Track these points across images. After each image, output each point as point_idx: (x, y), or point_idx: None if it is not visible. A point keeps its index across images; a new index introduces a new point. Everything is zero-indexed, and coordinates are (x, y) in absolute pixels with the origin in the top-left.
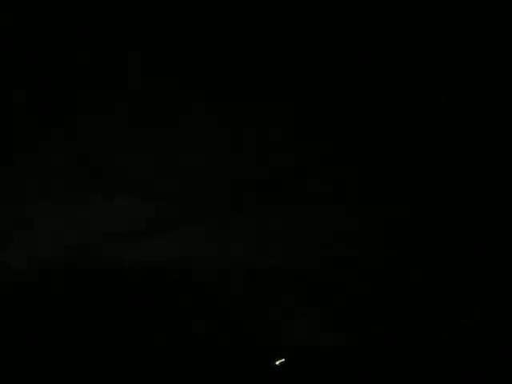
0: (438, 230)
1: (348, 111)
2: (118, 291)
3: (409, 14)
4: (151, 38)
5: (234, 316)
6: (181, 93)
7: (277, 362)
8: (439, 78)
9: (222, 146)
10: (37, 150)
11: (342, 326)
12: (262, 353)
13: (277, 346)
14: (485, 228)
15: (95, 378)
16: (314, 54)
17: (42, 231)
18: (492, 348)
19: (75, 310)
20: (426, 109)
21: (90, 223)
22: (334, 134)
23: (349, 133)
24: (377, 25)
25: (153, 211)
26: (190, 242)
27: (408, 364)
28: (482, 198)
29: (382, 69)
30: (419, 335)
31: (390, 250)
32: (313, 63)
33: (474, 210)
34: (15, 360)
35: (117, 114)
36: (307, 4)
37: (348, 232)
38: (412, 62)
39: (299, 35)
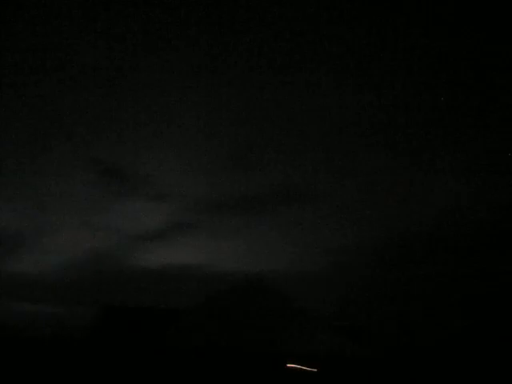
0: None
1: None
2: (135, 293)
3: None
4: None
5: (251, 319)
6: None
7: (288, 365)
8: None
9: (241, 149)
10: (52, 154)
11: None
12: (277, 357)
13: (291, 350)
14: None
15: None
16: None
17: (60, 236)
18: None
19: (94, 310)
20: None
21: (106, 227)
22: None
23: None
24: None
25: (169, 215)
26: (205, 245)
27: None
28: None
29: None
30: (443, 344)
31: (405, 258)
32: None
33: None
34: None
35: (132, 118)
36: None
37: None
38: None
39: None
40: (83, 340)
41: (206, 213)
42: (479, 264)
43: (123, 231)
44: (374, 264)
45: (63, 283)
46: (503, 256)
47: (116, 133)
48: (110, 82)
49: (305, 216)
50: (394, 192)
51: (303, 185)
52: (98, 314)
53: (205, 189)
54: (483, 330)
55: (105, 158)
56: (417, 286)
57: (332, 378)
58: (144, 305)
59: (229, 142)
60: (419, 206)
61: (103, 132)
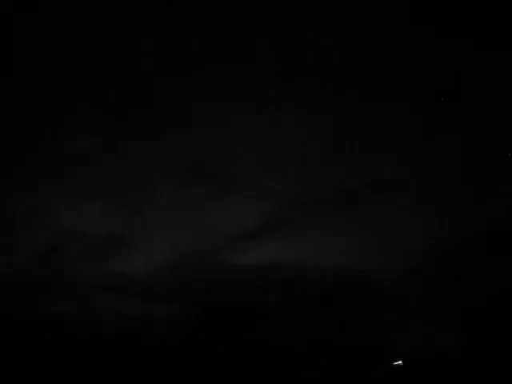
0: None
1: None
2: (232, 291)
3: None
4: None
5: (352, 315)
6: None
7: (396, 363)
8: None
9: (334, 149)
10: (143, 158)
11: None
12: (379, 354)
13: (393, 347)
14: None
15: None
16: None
17: (159, 236)
18: None
19: (189, 310)
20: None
21: (201, 228)
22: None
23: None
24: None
25: (265, 213)
26: (302, 243)
27: None
28: None
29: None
30: None
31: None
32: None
33: None
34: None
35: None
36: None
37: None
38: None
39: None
40: (183, 337)
41: (302, 210)
42: None
43: (218, 231)
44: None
45: (161, 283)
46: None
47: (207, 131)
48: (199, 75)
49: (400, 210)
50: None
51: (396, 177)
52: (197, 313)
53: (299, 186)
54: None
55: (197, 158)
56: None
57: (437, 374)
58: (241, 302)
59: (319, 141)
60: None
61: (194, 131)
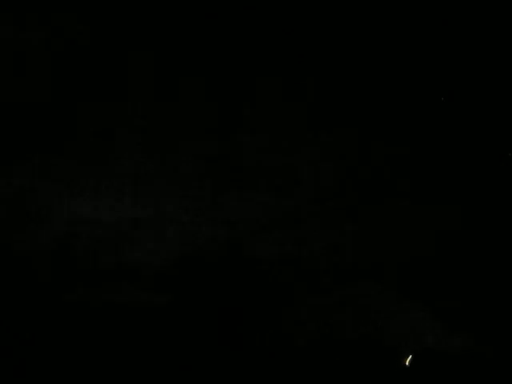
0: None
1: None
2: (244, 285)
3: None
4: None
5: (362, 314)
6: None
7: (406, 362)
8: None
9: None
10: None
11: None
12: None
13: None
14: None
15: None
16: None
17: (173, 227)
18: None
19: (209, 302)
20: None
21: (220, 219)
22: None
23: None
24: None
25: (290, 206)
26: (313, 237)
27: None
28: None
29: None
30: None
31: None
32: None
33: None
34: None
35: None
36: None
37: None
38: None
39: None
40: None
41: (329, 201)
42: None
43: (238, 223)
44: None
45: (178, 273)
46: None
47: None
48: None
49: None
50: None
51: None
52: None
53: (329, 176)
54: None
55: (216, 147)
56: None
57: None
58: (254, 296)
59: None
60: None
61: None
